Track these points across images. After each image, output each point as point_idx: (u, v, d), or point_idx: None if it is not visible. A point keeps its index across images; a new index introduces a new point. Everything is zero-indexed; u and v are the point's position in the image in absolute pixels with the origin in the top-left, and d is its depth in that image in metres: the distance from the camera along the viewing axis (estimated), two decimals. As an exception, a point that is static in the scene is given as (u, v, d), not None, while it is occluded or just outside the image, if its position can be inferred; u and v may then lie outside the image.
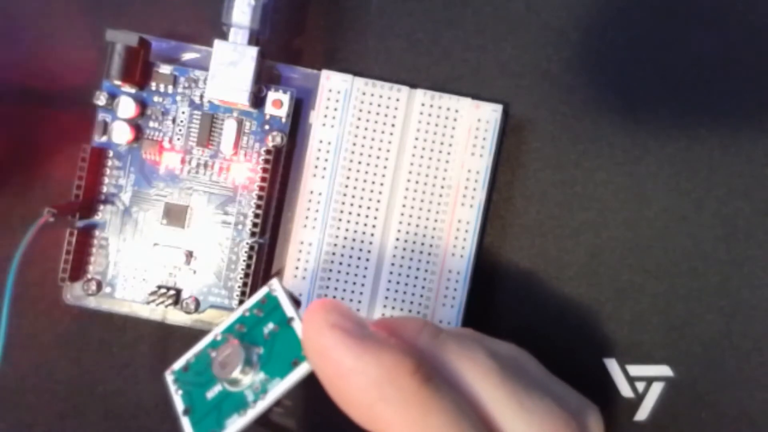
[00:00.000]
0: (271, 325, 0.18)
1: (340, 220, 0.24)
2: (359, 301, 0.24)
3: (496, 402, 0.17)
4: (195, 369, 0.18)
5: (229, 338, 0.18)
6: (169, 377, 0.19)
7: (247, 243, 0.24)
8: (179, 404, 0.18)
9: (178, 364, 0.19)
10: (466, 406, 0.17)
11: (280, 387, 0.17)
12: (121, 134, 0.24)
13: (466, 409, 0.16)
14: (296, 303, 0.18)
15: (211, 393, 0.18)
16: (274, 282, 0.18)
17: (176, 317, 0.24)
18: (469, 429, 0.16)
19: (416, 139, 0.24)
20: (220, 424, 0.17)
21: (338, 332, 0.16)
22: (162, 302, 0.24)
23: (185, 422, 0.18)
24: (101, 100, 0.24)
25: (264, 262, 0.24)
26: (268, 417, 0.18)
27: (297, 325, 0.17)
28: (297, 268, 0.24)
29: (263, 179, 0.23)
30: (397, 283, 0.24)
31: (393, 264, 0.24)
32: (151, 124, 0.24)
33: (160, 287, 0.24)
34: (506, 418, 0.17)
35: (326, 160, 0.24)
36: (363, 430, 0.16)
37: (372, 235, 0.24)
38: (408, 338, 0.18)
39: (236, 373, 0.17)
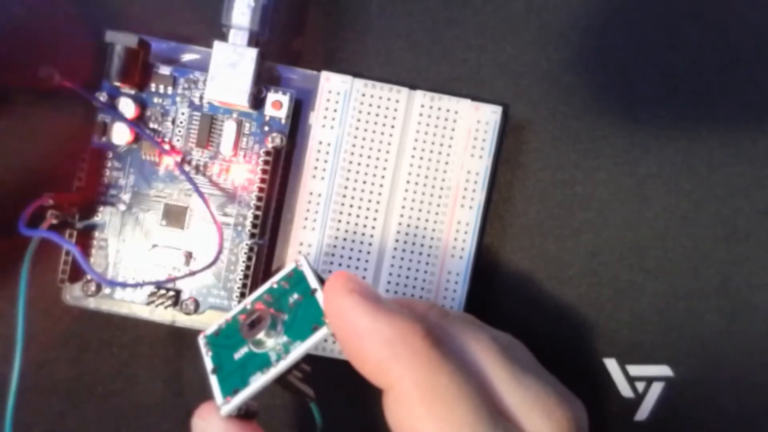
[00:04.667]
0: (295, 295, 0.19)
1: (339, 221, 0.24)
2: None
3: (496, 377, 0.18)
4: (225, 333, 0.20)
5: (257, 304, 0.20)
6: (201, 341, 0.20)
7: (247, 244, 0.24)
8: (208, 364, 0.19)
9: (210, 329, 0.20)
10: (471, 373, 0.18)
11: (300, 348, 0.18)
12: (120, 135, 0.24)
13: (470, 376, 0.18)
14: (320, 280, 0.19)
15: (238, 354, 0.19)
16: (301, 258, 0.20)
17: (176, 318, 0.24)
18: (471, 392, 0.17)
19: (416, 140, 0.24)
20: (245, 381, 0.18)
21: (356, 296, 0.18)
22: (161, 303, 0.24)
23: (213, 380, 0.19)
24: (101, 101, 0.24)
25: (263, 263, 0.24)
26: (288, 379, 0.19)
27: (319, 296, 0.19)
28: (297, 268, 0.24)
29: (263, 180, 0.23)
30: (397, 284, 0.24)
31: (392, 265, 0.24)
32: (151, 125, 0.24)
33: (159, 288, 0.24)
34: (504, 392, 0.18)
35: (326, 161, 0.24)
36: (374, 388, 0.18)
37: (371, 236, 0.24)
38: (418, 313, 0.19)
39: (261, 335, 0.18)
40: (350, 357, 0.18)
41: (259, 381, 0.18)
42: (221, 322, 0.20)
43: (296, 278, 0.20)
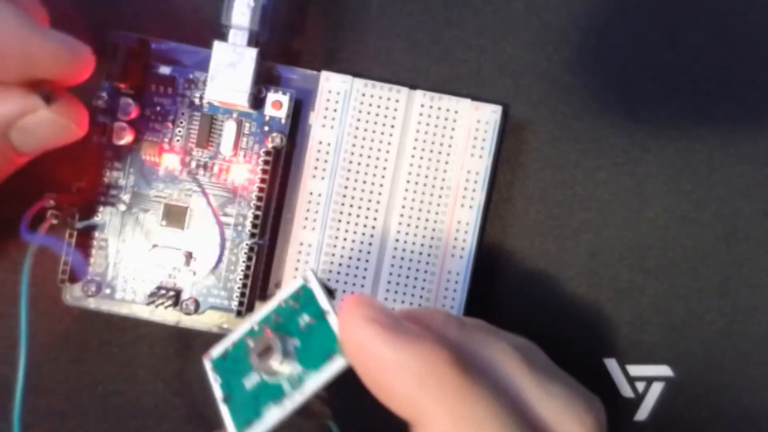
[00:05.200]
0: (306, 317, 0.18)
1: (339, 221, 0.24)
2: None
3: (524, 389, 0.18)
4: (233, 357, 0.19)
5: (265, 329, 0.18)
6: (207, 363, 0.19)
7: (247, 244, 0.24)
8: (218, 392, 0.18)
9: (217, 351, 0.19)
10: (502, 393, 0.17)
11: (316, 380, 0.17)
12: (120, 135, 0.24)
13: (502, 397, 0.17)
14: (330, 292, 0.18)
15: (249, 382, 0.18)
16: (308, 274, 0.19)
17: (176, 318, 0.24)
18: (506, 415, 0.16)
19: (416, 140, 0.24)
20: (258, 412, 0.17)
21: (376, 326, 0.16)
22: (162, 303, 0.24)
23: (224, 409, 0.18)
24: (101, 101, 0.24)
25: (264, 263, 0.24)
26: (305, 405, 0.18)
27: (332, 319, 0.18)
28: (296, 269, 0.24)
29: (263, 180, 0.23)
30: (397, 284, 0.24)
31: (393, 265, 0.24)
32: (151, 125, 0.24)
33: (159, 288, 0.24)
34: (535, 403, 0.17)
35: (326, 161, 0.24)
36: (399, 418, 0.17)
37: (372, 236, 0.24)
38: (437, 330, 0.18)
39: (274, 364, 0.17)
40: (373, 390, 0.17)
41: (274, 414, 0.17)
42: (227, 343, 0.19)
43: (305, 297, 0.18)
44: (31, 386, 0.25)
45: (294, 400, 0.17)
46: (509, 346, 0.18)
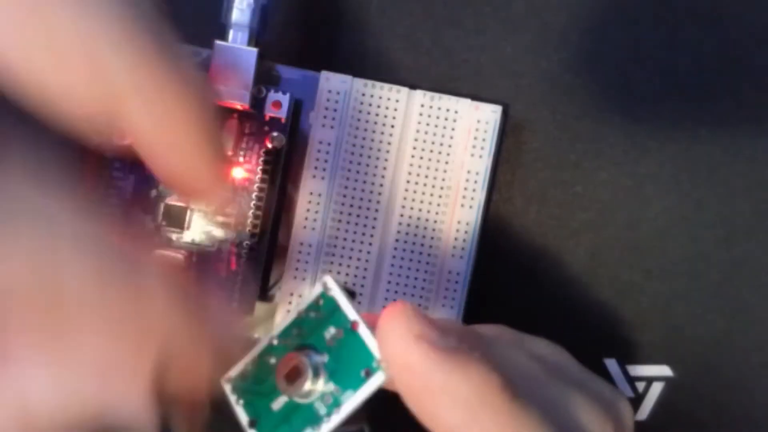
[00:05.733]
0: (333, 330, 0.16)
1: (339, 221, 0.24)
2: (359, 302, 0.24)
3: (572, 404, 0.17)
4: (255, 377, 0.17)
5: (288, 347, 0.17)
6: (226, 386, 0.17)
7: (247, 244, 0.24)
8: (243, 415, 0.17)
9: (234, 371, 0.17)
10: (551, 415, 0.16)
11: (354, 400, 0.16)
12: (120, 135, 0.24)
13: (550, 419, 0.16)
14: (351, 295, 0.17)
15: (277, 404, 0.17)
16: (328, 281, 0.17)
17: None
18: None
19: (416, 140, 0.24)
20: None
21: (425, 345, 0.15)
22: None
23: None
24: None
25: (264, 263, 0.24)
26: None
27: (363, 331, 0.16)
28: (297, 269, 0.24)
29: (263, 180, 0.23)
30: (397, 284, 0.24)
31: (393, 265, 0.24)
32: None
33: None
34: (582, 416, 0.17)
35: (326, 161, 0.24)
36: None
37: (372, 236, 0.24)
38: (486, 346, 0.17)
39: (305, 387, 0.16)
40: (419, 415, 0.16)
41: None
42: (246, 361, 0.17)
43: (327, 306, 0.17)
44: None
45: (331, 422, 0.16)
46: (527, 358, 0.18)
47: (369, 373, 0.15)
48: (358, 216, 0.24)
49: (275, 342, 0.17)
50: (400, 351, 0.15)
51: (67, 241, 0.14)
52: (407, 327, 0.15)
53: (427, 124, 0.24)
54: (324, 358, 0.16)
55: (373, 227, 0.24)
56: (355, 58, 0.25)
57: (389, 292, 0.24)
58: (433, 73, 0.25)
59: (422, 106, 0.24)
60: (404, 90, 0.24)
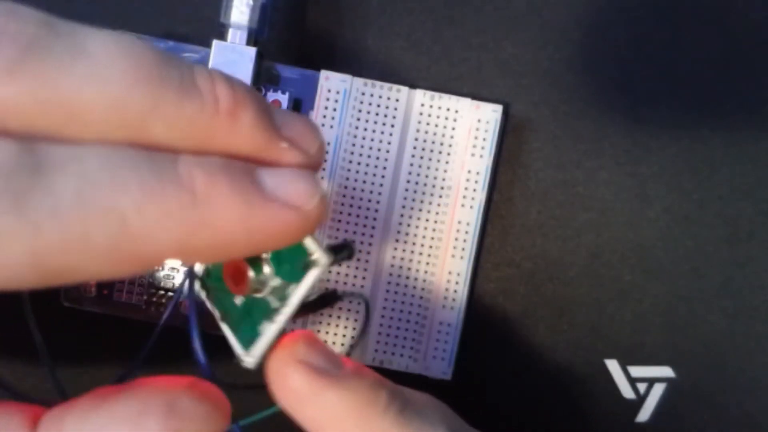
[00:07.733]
0: None
1: (339, 221, 0.24)
2: (358, 302, 0.24)
3: None
4: (215, 276, 0.18)
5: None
6: (197, 284, 0.19)
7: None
8: (214, 310, 0.18)
9: (199, 269, 0.19)
10: None
11: (298, 292, 0.16)
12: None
13: None
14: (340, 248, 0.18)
15: (238, 300, 0.18)
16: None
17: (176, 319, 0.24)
18: None
19: (416, 139, 0.24)
20: (254, 330, 0.17)
21: (304, 369, 0.16)
22: (161, 304, 0.24)
23: (224, 327, 0.18)
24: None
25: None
26: (303, 309, 0.17)
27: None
28: (296, 269, 0.24)
29: (262, 180, 0.23)
30: (397, 284, 0.24)
31: (392, 265, 0.24)
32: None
33: (158, 289, 0.24)
34: None
35: (325, 160, 0.24)
36: None
37: (371, 236, 0.24)
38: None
39: (252, 287, 0.17)
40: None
41: (270, 330, 0.16)
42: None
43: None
44: (29, 388, 0.25)
45: (284, 313, 0.17)
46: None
47: (306, 267, 0.16)
48: (357, 216, 0.24)
49: None
50: (281, 375, 0.16)
51: None
52: (291, 352, 0.16)
53: (428, 124, 0.24)
54: (267, 256, 0.17)
55: (373, 227, 0.24)
56: (355, 57, 0.25)
57: (389, 292, 0.24)
58: (434, 73, 0.25)
59: (422, 105, 0.24)
60: (404, 89, 0.24)
